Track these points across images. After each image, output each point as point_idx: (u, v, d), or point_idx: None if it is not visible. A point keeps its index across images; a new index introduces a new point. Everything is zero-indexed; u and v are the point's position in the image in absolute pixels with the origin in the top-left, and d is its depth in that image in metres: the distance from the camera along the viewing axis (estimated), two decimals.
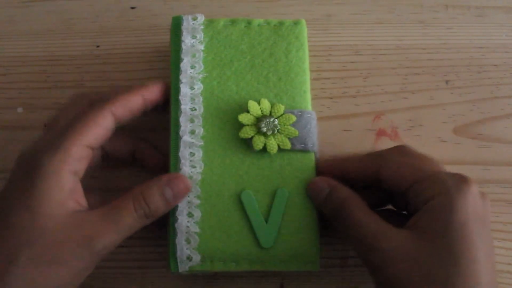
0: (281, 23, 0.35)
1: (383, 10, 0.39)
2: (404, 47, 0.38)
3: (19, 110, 0.37)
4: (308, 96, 0.33)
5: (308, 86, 0.34)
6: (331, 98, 0.37)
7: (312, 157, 0.32)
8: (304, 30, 0.35)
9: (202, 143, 0.32)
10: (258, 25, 0.35)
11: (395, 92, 0.37)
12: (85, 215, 0.27)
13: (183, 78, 0.33)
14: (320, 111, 0.37)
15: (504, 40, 0.38)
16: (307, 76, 0.34)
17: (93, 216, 0.27)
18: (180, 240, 0.30)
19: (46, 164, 0.26)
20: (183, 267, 0.31)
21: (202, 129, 0.32)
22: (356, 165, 0.31)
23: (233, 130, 0.32)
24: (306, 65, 0.34)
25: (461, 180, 0.27)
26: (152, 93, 0.32)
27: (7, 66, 0.39)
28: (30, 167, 0.26)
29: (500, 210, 0.35)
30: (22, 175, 0.27)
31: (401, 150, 0.31)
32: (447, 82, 0.37)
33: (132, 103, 0.30)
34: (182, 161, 0.31)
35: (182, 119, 0.32)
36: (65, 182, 0.26)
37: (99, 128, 0.28)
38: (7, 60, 0.39)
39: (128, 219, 0.27)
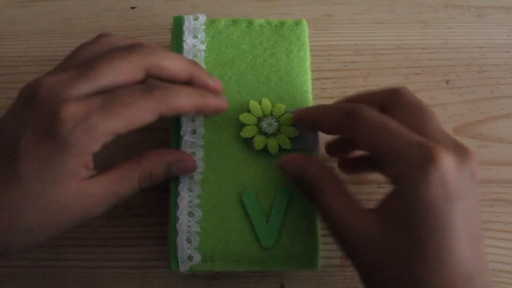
0: (282, 23, 0.35)
1: (383, 10, 0.39)
2: (404, 47, 0.38)
3: None
4: (309, 96, 0.34)
5: (309, 86, 0.34)
6: (331, 98, 0.37)
7: (313, 156, 0.32)
8: (305, 30, 0.35)
9: (203, 143, 0.32)
10: (260, 25, 0.35)
11: None
12: (91, 186, 0.27)
13: None
14: None
15: (505, 40, 0.38)
16: (308, 76, 0.34)
17: (97, 187, 0.27)
18: (181, 240, 0.31)
19: (72, 144, 0.26)
20: (183, 267, 0.31)
21: (203, 129, 0.32)
22: (326, 121, 0.29)
23: (234, 130, 0.32)
24: (307, 65, 0.34)
25: (426, 157, 0.24)
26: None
27: (7, 66, 0.39)
28: (53, 134, 0.25)
29: (500, 210, 0.35)
30: (42, 136, 0.26)
31: (390, 98, 0.28)
32: (447, 82, 0.37)
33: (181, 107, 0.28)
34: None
35: (183, 119, 0.32)
36: (83, 160, 0.26)
37: (137, 120, 0.27)
38: (7, 60, 0.39)
39: (130, 191, 0.28)
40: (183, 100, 0.28)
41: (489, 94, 0.37)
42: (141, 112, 0.27)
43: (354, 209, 0.27)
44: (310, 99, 0.33)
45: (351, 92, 0.37)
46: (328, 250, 0.34)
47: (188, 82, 0.29)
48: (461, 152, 0.25)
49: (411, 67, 0.38)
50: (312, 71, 0.37)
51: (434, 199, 0.24)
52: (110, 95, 0.26)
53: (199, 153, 0.32)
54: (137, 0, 0.40)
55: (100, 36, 0.30)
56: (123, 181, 0.28)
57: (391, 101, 0.28)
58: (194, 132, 0.32)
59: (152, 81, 0.28)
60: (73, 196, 0.26)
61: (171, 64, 0.28)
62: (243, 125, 0.32)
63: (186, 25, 0.34)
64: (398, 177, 0.25)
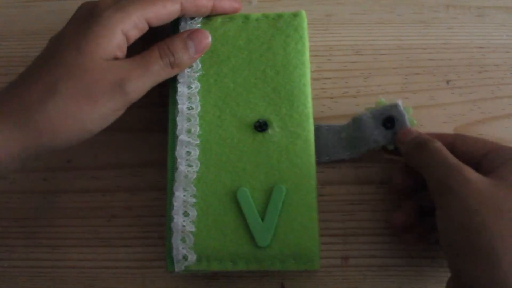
0: (279, 16, 0.34)
1: (383, 10, 0.39)
2: (404, 47, 0.38)
3: None
4: (308, 89, 0.33)
5: (307, 79, 0.33)
6: (331, 98, 0.37)
7: (311, 152, 0.32)
8: (304, 22, 0.34)
9: (198, 142, 0.32)
10: (256, 19, 0.34)
11: (396, 92, 0.37)
12: (121, 62, 0.30)
13: (180, 78, 0.33)
14: (321, 111, 0.37)
15: (505, 40, 0.38)
16: (307, 69, 0.33)
17: (126, 62, 0.30)
18: (176, 240, 0.30)
19: (105, 17, 0.30)
20: (179, 267, 0.30)
21: (198, 128, 0.32)
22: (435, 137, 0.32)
23: (230, 128, 0.32)
24: (306, 57, 0.34)
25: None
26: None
27: (7, 66, 0.39)
28: (91, 15, 0.30)
29: None
30: (81, 21, 0.30)
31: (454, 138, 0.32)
32: (447, 82, 0.37)
33: (200, 3, 0.33)
34: (179, 160, 0.31)
35: (178, 119, 0.32)
36: (115, 37, 0.30)
37: (164, 11, 0.31)
38: (7, 60, 0.39)
39: (155, 65, 0.30)
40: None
41: (490, 94, 0.37)
42: (167, 5, 0.31)
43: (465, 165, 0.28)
44: (308, 92, 0.33)
45: (351, 92, 0.37)
46: (328, 250, 0.34)
47: None
48: None
49: (412, 67, 0.38)
50: (313, 71, 0.37)
51: None
52: None
53: (195, 153, 0.32)
54: None
55: None
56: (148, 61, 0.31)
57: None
58: (189, 131, 0.32)
59: None
60: (106, 64, 0.29)
61: None
62: (239, 123, 0.32)
63: (182, 25, 0.34)
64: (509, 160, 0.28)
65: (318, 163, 0.35)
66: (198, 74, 0.33)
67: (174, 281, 0.34)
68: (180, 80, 0.33)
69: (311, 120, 0.33)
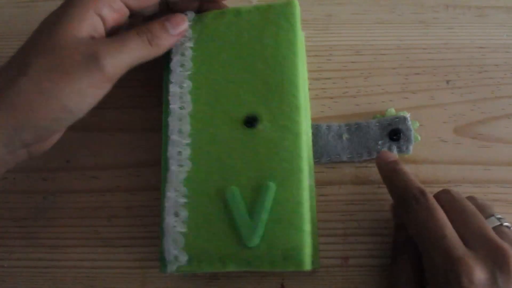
0: (270, 6, 0.33)
1: (383, 10, 0.39)
2: (404, 47, 0.38)
3: None
4: (299, 80, 0.31)
5: (298, 69, 0.32)
6: (331, 98, 0.37)
7: (300, 145, 0.31)
8: (296, 10, 0.33)
9: (189, 141, 0.31)
10: (248, 11, 0.33)
11: (396, 92, 0.37)
12: (96, 39, 0.30)
13: (173, 77, 0.33)
14: (321, 111, 0.37)
15: (505, 40, 0.38)
16: (299, 59, 0.32)
17: (102, 39, 0.30)
18: (167, 240, 0.30)
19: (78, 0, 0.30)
20: (171, 268, 0.30)
21: (189, 127, 0.32)
22: (391, 196, 0.31)
23: (220, 125, 0.31)
24: (297, 47, 0.32)
25: (453, 270, 0.25)
26: None
27: None
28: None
29: (500, 210, 0.35)
30: (61, 5, 0.30)
31: (442, 198, 0.30)
32: (447, 82, 0.37)
33: None
34: (170, 160, 0.31)
35: (170, 119, 0.32)
36: (88, 17, 0.29)
37: None
38: (7, 60, 0.39)
39: (132, 41, 0.30)
40: None
41: (490, 94, 0.37)
42: None
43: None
44: (300, 83, 0.31)
45: (351, 92, 0.37)
46: (328, 250, 0.34)
47: None
48: (496, 258, 0.25)
49: (412, 67, 0.38)
50: (313, 71, 0.37)
51: None
52: None
53: (186, 152, 0.31)
54: None
55: None
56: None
57: (439, 199, 0.30)
58: (181, 131, 0.32)
59: None
60: (80, 41, 0.29)
61: None
62: (229, 120, 0.31)
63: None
64: (429, 277, 0.27)
65: (318, 163, 0.35)
66: (189, 72, 0.33)
67: (174, 281, 0.34)
68: (172, 80, 0.33)
69: (302, 112, 0.31)
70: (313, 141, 0.35)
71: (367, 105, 0.37)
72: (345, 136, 0.35)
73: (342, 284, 0.34)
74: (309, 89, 0.36)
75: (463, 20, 0.39)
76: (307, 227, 0.29)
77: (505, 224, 0.29)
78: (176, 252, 0.30)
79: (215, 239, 0.30)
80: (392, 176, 0.31)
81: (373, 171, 0.35)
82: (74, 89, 0.28)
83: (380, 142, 0.34)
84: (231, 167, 0.31)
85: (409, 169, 0.32)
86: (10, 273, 0.35)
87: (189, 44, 0.33)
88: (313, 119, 0.36)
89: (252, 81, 0.32)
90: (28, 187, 0.36)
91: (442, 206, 0.29)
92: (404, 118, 0.34)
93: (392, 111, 0.35)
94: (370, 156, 0.35)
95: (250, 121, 0.31)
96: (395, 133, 0.34)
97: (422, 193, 0.29)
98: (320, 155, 0.35)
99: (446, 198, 0.30)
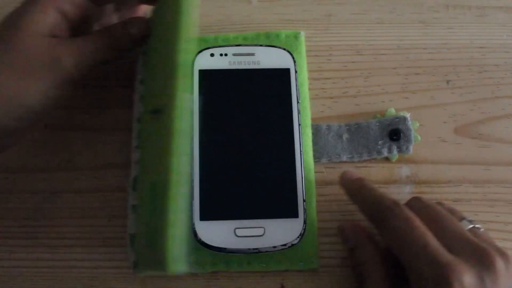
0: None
1: (383, 10, 0.39)
2: (404, 47, 0.38)
3: None
4: (189, 56, 0.26)
5: (183, 39, 0.26)
6: (331, 98, 0.37)
7: (173, 132, 0.25)
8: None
9: (137, 143, 0.32)
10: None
11: (396, 92, 0.37)
12: (60, 39, 0.30)
13: (139, 74, 0.34)
14: (321, 111, 0.37)
15: (505, 40, 0.38)
16: (190, 30, 0.26)
17: (65, 40, 0.30)
18: (128, 243, 0.30)
19: None
20: (140, 270, 0.30)
21: (137, 129, 0.32)
22: (363, 213, 0.31)
23: (146, 122, 0.31)
24: (190, 18, 0.26)
25: (444, 282, 0.25)
26: None
27: None
28: None
29: (500, 210, 0.35)
30: (21, 4, 0.30)
31: (414, 206, 0.29)
32: (447, 82, 0.37)
33: None
34: (132, 165, 0.32)
35: (133, 123, 0.33)
36: (49, 13, 0.29)
37: None
38: None
39: (94, 44, 0.30)
40: None
41: (490, 94, 0.37)
42: None
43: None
44: (188, 60, 0.26)
45: (351, 92, 0.37)
46: (328, 250, 0.34)
47: None
48: (481, 260, 0.25)
49: (412, 67, 0.38)
50: (313, 71, 0.37)
51: None
52: None
53: (136, 156, 0.31)
54: None
55: None
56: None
57: (412, 207, 0.29)
58: (136, 133, 0.32)
59: None
60: (43, 40, 0.29)
61: None
62: (148, 115, 0.30)
63: None
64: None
65: (318, 163, 0.35)
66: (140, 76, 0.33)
67: (174, 281, 0.34)
68: (138, 77, 0.33)
69: (177, 93, 0.25)
70: (313, 141, 0.35)
71: (367, 105, 0.37)
72: (345, 136, 0.35)
73: (342, 284, 0.34)
74: (309, 89, 0.36)
75: (463, 20, 0.39)
76: (171, 231, 0.24)
77: (477, 226, 0.29)
78: (133, 255, 0.30)
79: (151, 243, 0.27)
80: (361, 191, 0.31)
81: (373, 171, 0.35)
82: (38, 89, 0.28)
83: (380, 142, 0.34)
84: (145, 164, 0.30)
85: (409, 169, 0.32)
86: (10, 273, 0.35)
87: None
88: (313, 119, 0.36)
89: (162, 68, 0.28)
90: (28, 187, 0.36)
91: (417, 214, 0.28)
92: (404, 118, 0.35)
93: (392, 111, 0.35)
94: (370, 156, 0.35)
95: (152, 114, 0.29)
96: (395, 133, 0.34)
97: (396, 203, 0.28)
98: (320, 155, 0.35)
99: (418, 206, 0.29)
